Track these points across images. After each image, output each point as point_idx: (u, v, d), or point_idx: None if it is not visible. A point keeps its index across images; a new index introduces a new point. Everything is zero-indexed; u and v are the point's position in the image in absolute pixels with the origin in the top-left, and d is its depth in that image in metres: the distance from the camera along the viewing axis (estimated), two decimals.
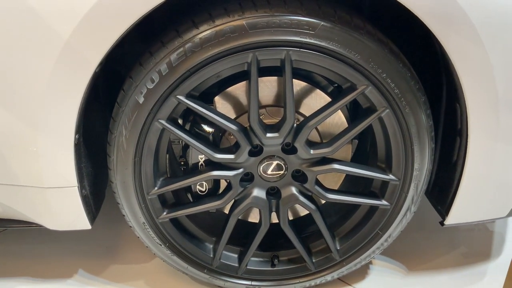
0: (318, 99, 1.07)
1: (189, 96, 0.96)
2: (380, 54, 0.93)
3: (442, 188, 1.15)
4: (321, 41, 0.91)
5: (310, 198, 1.11)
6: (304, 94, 1.07)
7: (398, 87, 0.96)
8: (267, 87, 1.06)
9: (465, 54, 0.91)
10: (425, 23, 0.89)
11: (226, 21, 0.90)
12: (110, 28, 0.86)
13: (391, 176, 1.06)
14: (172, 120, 1.00)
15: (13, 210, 1.08)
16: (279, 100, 1.07)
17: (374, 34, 0.94)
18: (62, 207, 1.05)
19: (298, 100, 1.08)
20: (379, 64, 0.94)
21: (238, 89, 1.06)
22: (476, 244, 1.42)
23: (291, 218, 1.22)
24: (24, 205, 1.06)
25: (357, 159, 1.17)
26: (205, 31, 0.90)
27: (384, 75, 0.94)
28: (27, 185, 1.02)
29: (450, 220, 1.14)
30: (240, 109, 1.08)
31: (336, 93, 1.08)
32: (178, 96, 0.95)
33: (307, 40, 0.91)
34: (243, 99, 1.07)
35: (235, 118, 1.08)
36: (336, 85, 1.07)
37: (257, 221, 1.18)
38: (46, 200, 1.04)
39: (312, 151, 1.03)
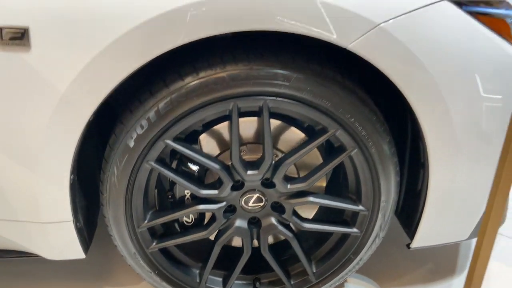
0: (294, 135, 1.17)
1: (175, 139, 1.06)
2: (348, 101, 1.04)
3: (409, 214, 1.26)
4: (295, 92, 1.01)
5: (288, 226, 1.21)
6: (281, 131, 1.17)
7: (365, 130, 1.06)
8: (247, 126, 1.15)
9: (424, 101, 1.02)
10: (388, 77, 0.99)
11: (209, 74, 0.99)
12: (103, 83, 0.95)
13: (360, 207, 1.17)
14: (160, 161, 1.09)
15: (11, 242, 1.15)
16: (259, 138, 1.16)
17: (343, 83, 1.04)
18: (59, 239, 1.14)
19: (276, 137, 1.17)
20: (348, 110, 1.04)
21: (221, 128, 1.15)
22: (442, 261, 1.53)
23: (271, 242, 1.31)
24: (23, 237, 1.14)
25: (331, 188, 1.27)
26: (190, 83, 0.99)
27: (352, 119, 1.05)
28: (26, 221, 1.10)
29: (416, 243, 1.25)
30: (223, 145, 1.17)
31: (311, 130, 1.18)
32: (166, 141, 1.04)
33: (282, 90, 1.01)
34: (226, 136, 1.16)
35: (220, 154, 1.17)
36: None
37: (240, 245, 1.27)
38: (43, 233, 1.12)
39: (289, 186, 1.13)
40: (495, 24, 1.07)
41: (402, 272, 1.48)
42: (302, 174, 1.20)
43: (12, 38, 0.90)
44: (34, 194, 1.05)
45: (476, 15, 1.04)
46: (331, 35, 0.94)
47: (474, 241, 1.63)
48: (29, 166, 1.02)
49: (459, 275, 1.47)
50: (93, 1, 0.90)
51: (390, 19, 0.95)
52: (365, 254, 1.24)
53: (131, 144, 1.04)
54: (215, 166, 1.09)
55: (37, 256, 1.19)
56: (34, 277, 1.42)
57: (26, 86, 0.94)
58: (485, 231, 1.07)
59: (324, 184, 1.25)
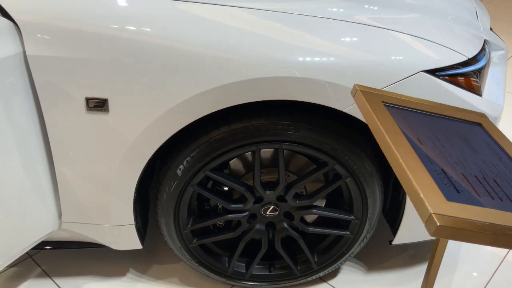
0: (302, 161, 1.51)
1: (212, 169, 1.40)
2: (344, 144, 1.35)
3: (393, 217, 1.60)
4: (303, 139, 1.33)
5: (296, 229, 1.57)
6: (292, 157, 1.50)
7: (356, 164, 1.39)
8: (266, 154, 1.49)
9: None
10: None
11: (238, 125, 1.31)
12: (162, 134, 1.28)
13: (352, 217, 1.52)
14: (200, 184, 1.44)
15: (90, 238, 1.54)
16: (276, 162, 1.50)
17: (340, 131, 1.35)
18: (123, 236, 1.52)
19: (289, 161, 1.51)
20: (343, 151, 1.36)
21: (246, 156, 1.49)
22: (422, 248, 1.90)
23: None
24: (98, 235, 1.52)
25: (332, 198, 1.61)
26: (224, 132, 1.32)
27: (347, 157, 1.37)
28: (101, 224, 1.48)
29: (397, 240, 1.61)
30: (248, 167, 1.51)
31: (316, 159, 1.50)
32: (205, 172, 1.38)
33: (293, 138, 1.33)
34: (250, 160, 1.50)
35: (245, 174, 1.52)
36: None
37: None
38: (113, 232, 1.50)
39: (297, 201, 1.48)
40: (466, 82, 1.36)
41: (386, 258, 1.85)
42: (308, 187, 1.55)
43: (95, 106, 1.23)
44: (108, 206, 1.42)
45: (447, 77, 1.32)
46: (334, 103, 1.25)
47: None
48: (106, 189, 1.37)
49: None
50: (155, 80, 1.20)
51: None
52: (356, 249, 1.61)
53: (179, 173, 1.38)
54: (241, 188, 1.44)
55: (106, 246, 1.58)
56: (95, 258, 1.83)
57: (105, 137, 1.28)
58: None
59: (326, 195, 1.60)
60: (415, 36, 1.34)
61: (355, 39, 1.26)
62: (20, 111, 1.22)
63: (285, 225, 1.55)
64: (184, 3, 1.22)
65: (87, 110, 1.23)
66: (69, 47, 1.16)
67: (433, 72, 1.29)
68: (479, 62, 1.46)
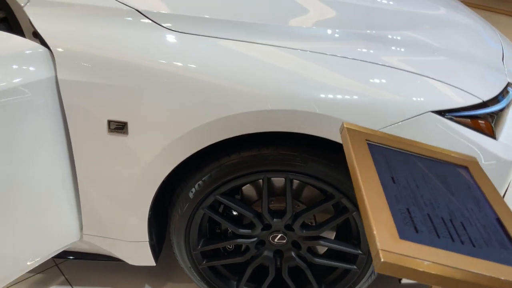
0: (313, 191, 1.54)
1: (223, 194, 1.46)
2: (351, 178, 1.38)
3: None
4: (310, 171, 1.37)
5: (303, 259, 1.59)
6: (304, 187, 1.54)
7: None
8: (278, 183, 1.53)
9: None
10: None
11: (248, 154, 1.37)
12: (176, 157, 1.36)
13: (359, 251, 1.52)
14: (211, 207, 1.50)
15: (107, 251, 1.63)
16: (284, 193, 1.54)
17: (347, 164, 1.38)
18: (138, 252, 1.60)
19: (298, 191, 1.54)
20: (351, 185, 1.38)
21: (259, 183, 1.54)
22: None
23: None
24: (115, 249, 1.61)
25: (342, 231, 1.63)
26: (234, 159, 1.38)
27: (353, 191, 1.39)
28: (118, 239, 1.57)
29: (406, 279, 1.59)
30: (260, 194, 1.56)
31: (324, 190, 1.53)
32: (216, 196, 1.45)
33: (301, 170, 1.37)
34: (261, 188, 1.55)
35: (256, 200, 1.57)
36: None
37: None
38: (128, 247, 1.59)
39: (304, 231, 1.51)
40: (475, 123, 1.36)
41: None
42: (318, 218, 1.58)
43: (116, 128, 1.33)
44: (124, 223, 1.51)
45: (457, 119, 1.33)
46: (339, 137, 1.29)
47: None
48: (122, 206, 1.47)
49: None
50: (172, 107, 1.29)
51: (384, 127, 1.27)
52: (363, 285, 1.60)
53: (191, 196, 1.45)
54: (249, 214, 1.49)
55: (122, 260, 1.66)
56: (113, 271, 1.92)
57: (123, 157, 1.38)
58: None
59: (335, 226, 1.61)
60: (429, 77, 1.36)
61: (368, 77, 1.30)
62: (50, 129, 1.34)
63: (293, 254, 1.58)
64: (212, 38, 1.31)
65: (109, 131, 1.34)
66: (96, 74, 1.27)
67: (442, 113, 1.31)
68: (498, 104, 1.45)
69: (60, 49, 1.27)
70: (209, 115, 1.28)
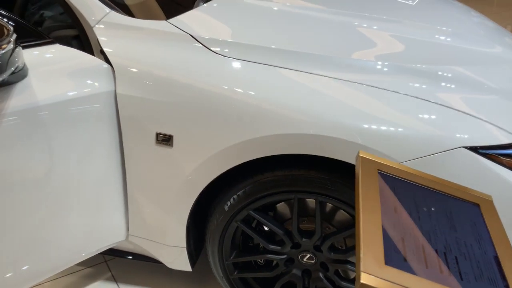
0: (344, 215, 1.58)
1: (255, 209, 1.54)
2: None
3: None
4: (338, 194, 1.42)
5: (331, 281, 1.62)
6: (334, 210, 1.58)
7: None
8: (309, 204, 1.59)
9: None
10: None
11: (280, 173, 1.45)
12: (215, 170, 1.47)
13: None
14: (244, 220, 1.59)
15: (149, 253, 1.77)
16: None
17: None
18: (176, 256, 1.72)
19: (332, 213, 1.59)
20: None
21: (292, 202, 1.61)
22: None
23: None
24: (156, 251, 1.74)
25: None
26: (267, 177, 1.47)
27: None
28: (159, 242, 1.70)
29: None
30: (292, 213, 1.63)
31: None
32: (249, 210, 1.53)
33: (329, 192, 1.42)
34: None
35: (289, 219, 1.63)
36: None
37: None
38: (167, 251, 1.71)
39: (332, 254, 1.55)
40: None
41: None
42: (348, 243, 1.61)
43: (162, 140, 1.47)
44: (165, 228, 1.64)
45: (491, 156, 1.32)
46: None
47: None
48: (164, 212, 1.60)
49: None
50: (215, 124, 1.40)
51: (412, 159, 1.30)
52: None
53: (226, 208, 1.55)
54: (279, 231, 1.55)
55: (161, 263, 1.79)
56: (166, 274, 2.06)
57: (168, 167, 1.51)
58: None
59: None
60: (466, 113, 1.37)
61: (413, 112, 1.34)
62: (107, 136, 1.50)
63: (321, 275, 1.62)
64: (261, 65, 1.42)
65: (156, 143, 1.48)
66: (149, 90, 1.42)
67: (475, 149, 1.31)
68: None
69: (119, 67, 1.43)
70: (247, 135, 1.37)
